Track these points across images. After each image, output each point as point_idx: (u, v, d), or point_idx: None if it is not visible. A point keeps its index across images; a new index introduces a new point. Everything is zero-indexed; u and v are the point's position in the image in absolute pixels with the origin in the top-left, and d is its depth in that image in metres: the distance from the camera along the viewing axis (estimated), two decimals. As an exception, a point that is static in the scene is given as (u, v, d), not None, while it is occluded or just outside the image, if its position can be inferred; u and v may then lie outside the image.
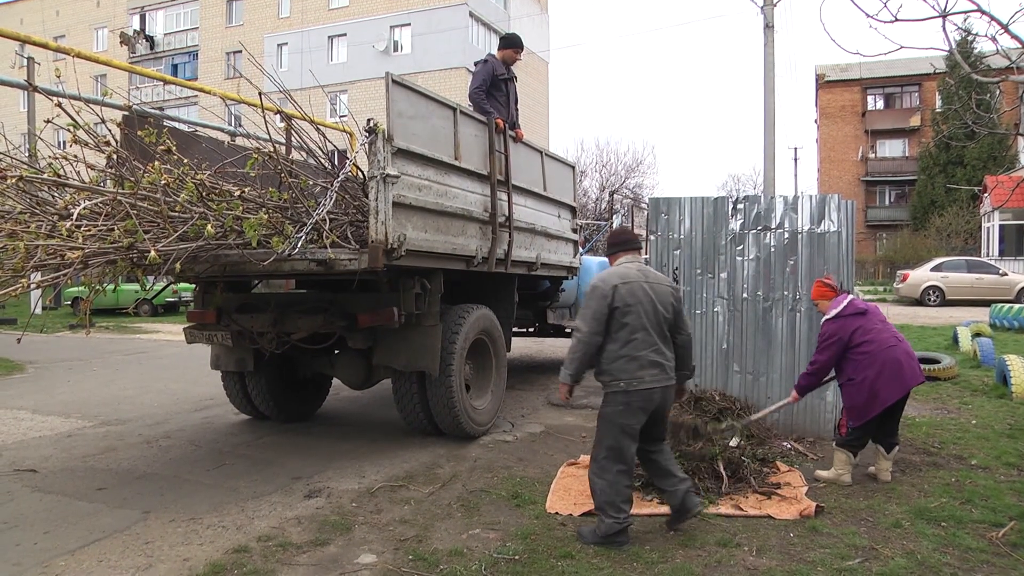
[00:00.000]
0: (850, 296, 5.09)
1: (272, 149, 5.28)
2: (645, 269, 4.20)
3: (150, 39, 45.46)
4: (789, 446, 5.75)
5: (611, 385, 3.99)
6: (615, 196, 43.50)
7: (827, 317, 5.01)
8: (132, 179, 4.65)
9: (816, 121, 46.50)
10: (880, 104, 44.34)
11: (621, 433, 3.96)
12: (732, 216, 6.39)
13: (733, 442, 5.33)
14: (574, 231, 8.87)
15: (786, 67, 65.49)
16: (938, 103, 36.28)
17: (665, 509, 4.43)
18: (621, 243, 4.32)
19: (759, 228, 6.31)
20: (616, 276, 4.04)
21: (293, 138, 5.86)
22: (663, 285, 4.12)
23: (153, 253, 4.02)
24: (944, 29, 4.34)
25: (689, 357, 4.27)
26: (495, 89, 6.94)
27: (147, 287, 5.03)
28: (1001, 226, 27.41)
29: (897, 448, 5.12)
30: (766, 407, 5.65)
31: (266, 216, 4.79)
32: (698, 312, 6.47)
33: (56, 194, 4.65)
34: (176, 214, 4.48)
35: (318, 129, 5.87)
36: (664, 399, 4.05)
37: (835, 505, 4.55)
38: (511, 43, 7.24)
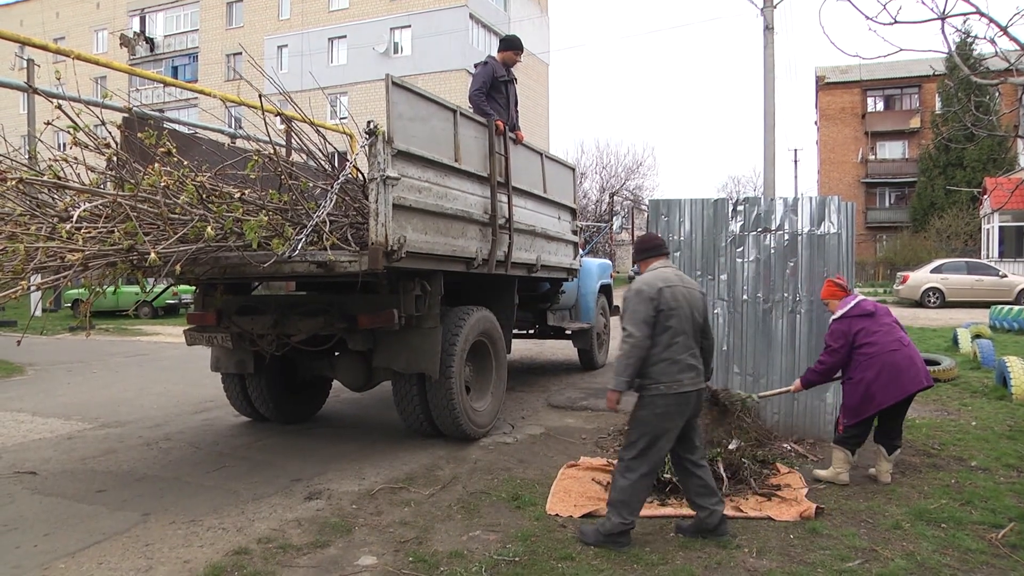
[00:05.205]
0: (859, 297, 5.12)
1: (272, 151, 5.29)
2: (680, 274, 4.26)
3: (150, 41, 45.47)
4: (789, 448, 5.75)
5: (651, 388, 3.97)
6: (615, 198, 43.50)
7: (834, 317, 5.07)
8: (132, 181, 4.65)
9: (816, 123, 46.51)
10: (880, 106, 44.33)
11: (658, 436, 3.97)
12: (732, 218, 6.39)
13: (733, 444, 5.35)
14: (574, 233, 8.87)
15: (786, 69, 65.43)
16: (938, 105, 36.31)
17: (666, 511, 4.45)
18: (653, 248, 4.34)
19: (759, 230, 6.31)
20: (659, 279, 4.06)
21: (293, 140, 5.86)
22: (695, 290, 4.19)
23: (153, 255, 4.02)
24: (943, 31, 4.35)
25: (711, 360, 4.33)
26: (495, 91, 6.94)
27: (147, 289, 5.03)
28: (1001, 228, 27.41)
29: (899, 451, 5.13)
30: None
31: (266, 218, 4.80)
32: (698, 314, 6.47)
33: (56, 196, 4.66)
34: (176, 216, 4.49)
35: (318, 131, 5.87)
36: (698, 402, 4.11)
37: (835, 507, 4.55)
38: (511, 45, 7.25)
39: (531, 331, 10.14)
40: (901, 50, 4.82)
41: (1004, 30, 4.23)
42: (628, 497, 3.95)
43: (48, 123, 4.86)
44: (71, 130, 4.74)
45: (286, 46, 40.66)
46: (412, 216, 5.15)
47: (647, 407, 3.99)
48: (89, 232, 4.16)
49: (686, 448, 4.13)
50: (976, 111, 5.99)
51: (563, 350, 11.65)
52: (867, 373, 4.82)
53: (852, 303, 5.04)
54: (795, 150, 58.10)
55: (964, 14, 4.41)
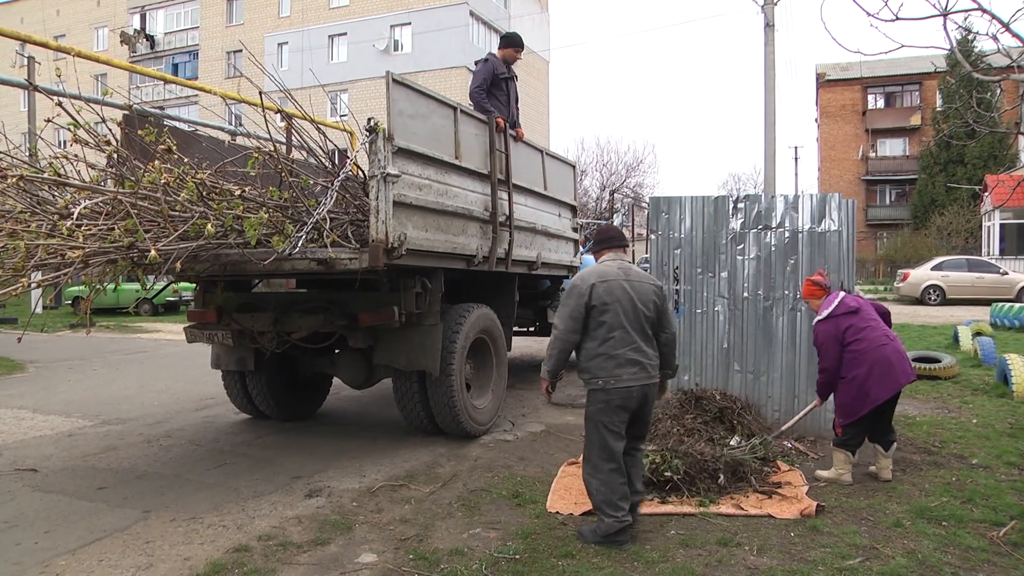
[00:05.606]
0: (841, 294, 5.10)
1: (273, 148, 5.28)
2: (627, 267, 4.17)
3: (150, 38, 45.45)
4: (790, 445, 5.74)
5: (591, 383, 4.00)
6: (616, 195, 43.51)
7: (819, 318, 5.04)
8: (132, 178, 4.65)
9: (816, 120, 46.47)
10: (881, 103, 44.29)
11: (605, 431, 3.96)
12: (733, 215, 6.39)
13: (733, 441, 5.35)
14: (574, 230, 8.87)
15: (786, 66, 65.57)
16: (939, 102, 36.29)
17: (666, 509, 4.45)
18: (605, 240, 4.33)
19: (760, 227, 6.30)
20: (595, 274, 4.05)
21: (294, 137, 5.86)
22: (645, 283, 4.10)
23: (153, 252, 4.02)
24: (945, 28, 4.33)
25: (672, 356, 4.23)
26: (496, 88, 6.93)
27: (147, 286, 5.03)
28: (1002, 225, 27.39)
29: (895, 445, 5.12)
30: (791, 417, 5.77)
31: (266, 215, 4.79)
32: (699, 311, 6.47)
33: (56, 193, 4.65)
34: (176, 213, 4.48)
35: (318, 128, 5.87)
36: (645, 397, 4.03)
37: (836, 504, 4.55)
38: (511, 42, 7.24)
39: (532, 328, 10.13)
40: (902, 46, 4.78)
41: (1006, 26, 4.22)
42: (608, 495, 3.95)
43: (49, 120, 4.87)
44: (71, 127, 4.74)
45: (286, 43, 40.65)
46: (412, 213, 5.14)
47: (591, 403, 4.05)
48: (89, 229, 4.16)
49: (628, 438, 4.09)
50: (977, 108, 5.98)
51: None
52: (859, 370, 4.81)
53: (836, 301, 5.00)
54: (796, 147, 57.80)
55: (966, 11, 4.39)
